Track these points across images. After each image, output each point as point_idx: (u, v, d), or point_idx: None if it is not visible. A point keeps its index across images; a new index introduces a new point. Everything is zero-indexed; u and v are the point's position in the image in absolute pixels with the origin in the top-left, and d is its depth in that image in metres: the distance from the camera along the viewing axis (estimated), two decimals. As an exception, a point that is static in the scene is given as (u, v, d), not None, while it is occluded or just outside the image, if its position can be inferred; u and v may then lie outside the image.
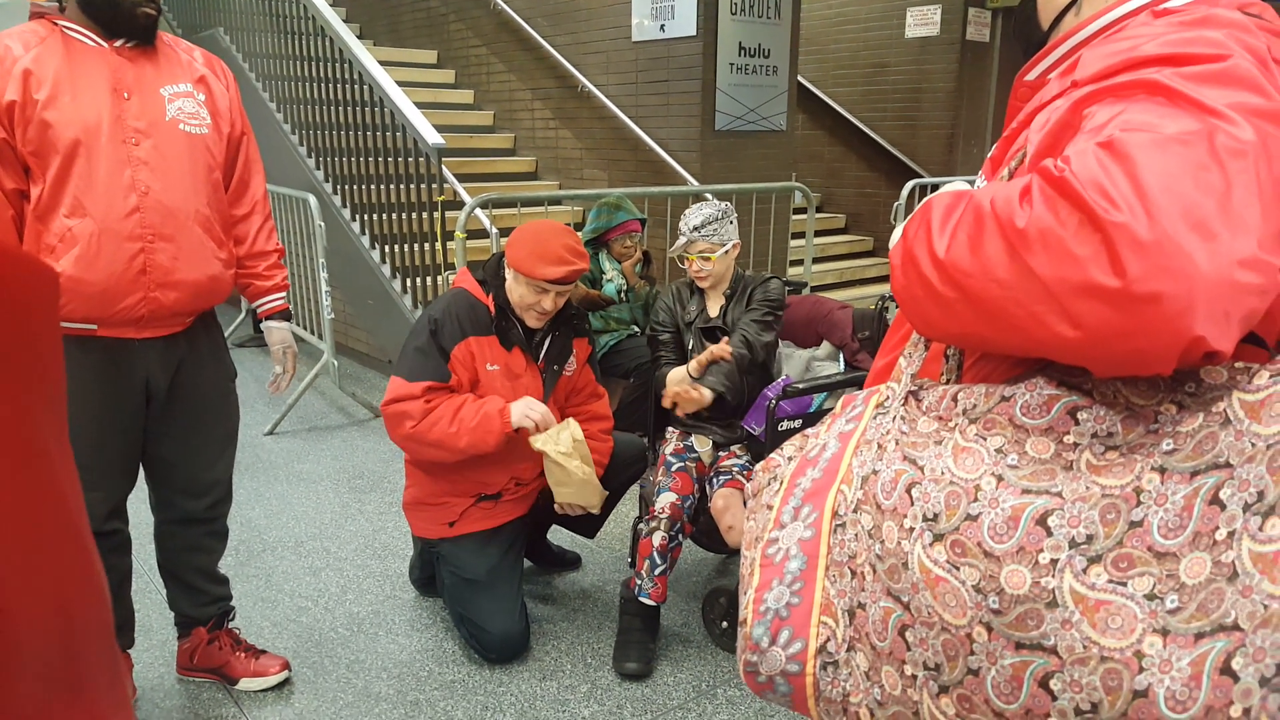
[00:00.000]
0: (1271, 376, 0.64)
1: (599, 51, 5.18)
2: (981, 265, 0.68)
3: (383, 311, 4.59)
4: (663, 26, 4.72)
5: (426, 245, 4.26)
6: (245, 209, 1.95)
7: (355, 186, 4.64)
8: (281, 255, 2.04)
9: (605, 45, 5.13)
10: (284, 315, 2.06)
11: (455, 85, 6.41)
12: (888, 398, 0.87)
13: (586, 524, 2.49)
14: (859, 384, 1.30)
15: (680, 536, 2.21)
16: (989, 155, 0.94)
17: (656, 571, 2.14)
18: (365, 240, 4.61)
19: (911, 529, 0.74)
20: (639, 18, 4.85)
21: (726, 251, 2.32)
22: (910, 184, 5.20)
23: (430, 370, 2.10)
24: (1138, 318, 0.60)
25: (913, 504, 0.75)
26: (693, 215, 2.31)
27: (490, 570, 2.21)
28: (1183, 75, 0.67)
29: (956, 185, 0.83)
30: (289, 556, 2.75)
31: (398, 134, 4.20)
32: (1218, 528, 0.61)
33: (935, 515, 0.73)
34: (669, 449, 2.40)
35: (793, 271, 5.29)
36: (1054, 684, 0.64)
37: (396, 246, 4.43)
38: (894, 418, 0.83)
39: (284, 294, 2.05)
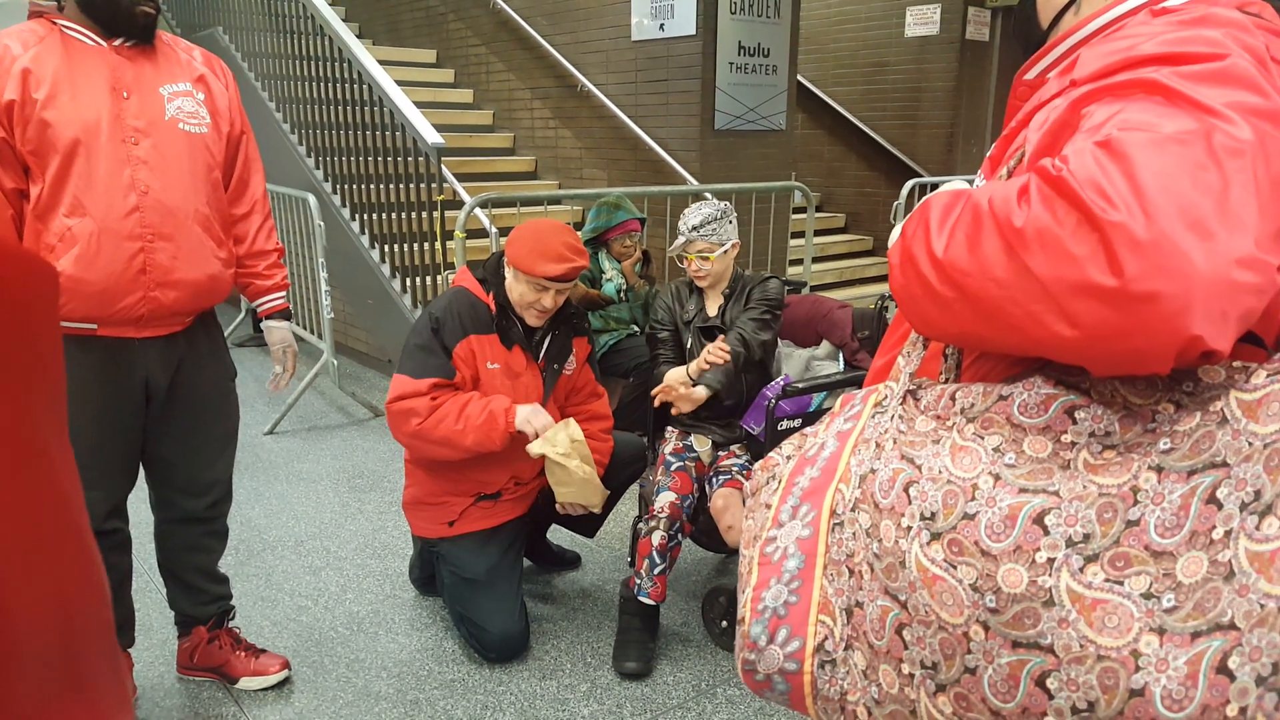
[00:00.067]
0: (1269, 376, 0.64)
1: (598, 51, 5.18)
2: (979, 264, 0.68)
3: (382, 311, 4.59)
4: (662, 26, 4.72)
5: (426, 245, 4.26)
6: (245, 208, 1.95)
7: (355, 186, 4.64)
8: (281, 254, 2.04)
9: (605, 44, 5.13)
10: (284, 314, 2.06)
11: (455, 84, 6.41)
12: (886, 397, 0.87)
13: (586, 523, 2.49)
14: (858, 383, 1.30)
15: (679, 536, 2.21)
16: (988, 154, 0.94)
17: (656, 571, 2.14)
18: (365, 240, 4.61)
19: (909, 528, 0.74)
20: (638, 17, 4.85)
21: (725, 251, 2.32)
22: (910, 183, 5.21)
23: (435, 367, 2.10)
24: (1135, 317, 0.60)
25: (910, 503, 0.75)
26: (692, 215, 2.31)
27: (490, 570, 2.22)
28: (1180, 74, 0.67)
29: (955, 184, 0.83)
30: (289, 556, 2.75)
31: (397, 133, 4.20)
32: (1214, 527, 0.61)
33: (933, 514, 0.73)
34: (668, 448, 2.40)
35: (792, 271, 5.29)
36: (1050, 683, 0.64)
37: (396, 246, 4.43)
38: (892, 417, 0.83)
39: (284, 293, 2.05)
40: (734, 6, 4.63)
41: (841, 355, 2.56)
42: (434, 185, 4.12)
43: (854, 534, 0.81)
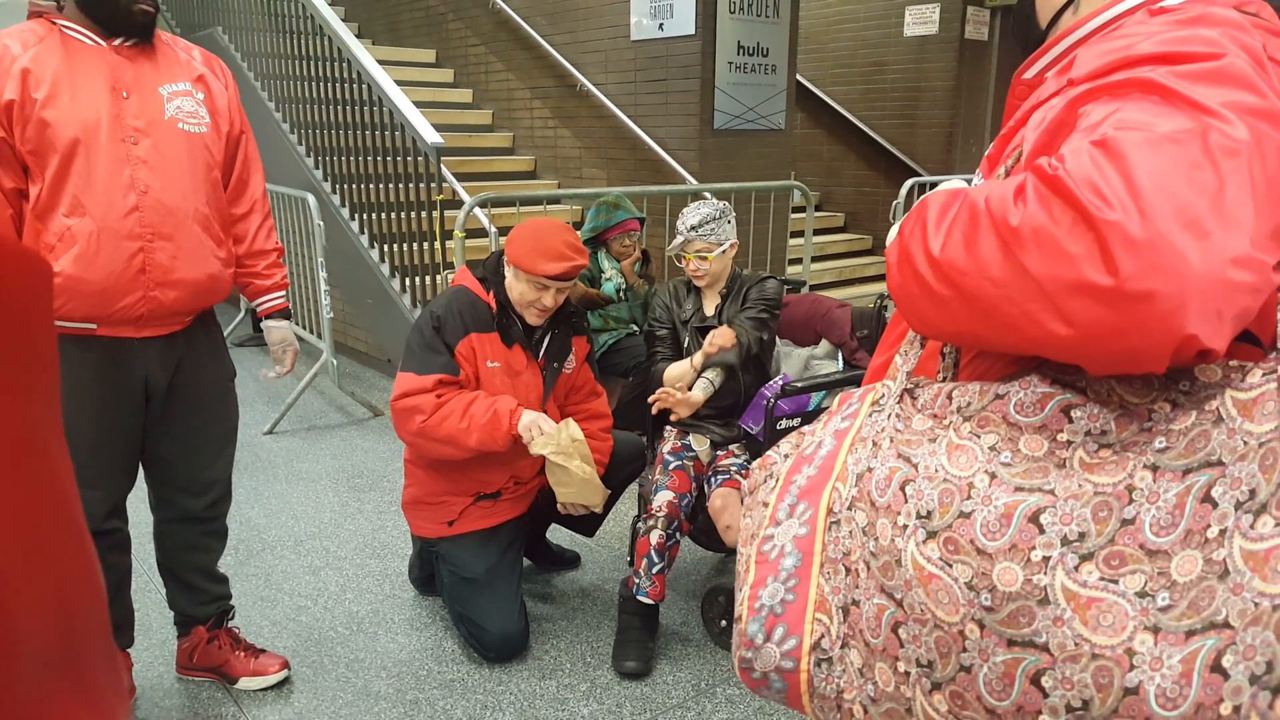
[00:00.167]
0: (1264, 375, 0.64)
1: (598, 50, 5.18)
2: (976, 263, 0.68)
3: (382, 311, 4.59)
4: (661, 25, 4.73)
5: (425, 244, 4.26)
6: (244, 208, 1.95)
7: (354, 186, 4.64)
8: (281, 254, 2.04)
9: (604, 44, 5.13)
10: (283, 314, 2.07)
11: (454, 84, 6.41)
12: (883, 395, 0.88)
13: (586, 523, 2.49)
14: (857, 382, 1.30)
15: (677, 535, 2.21)
16: (986, 153, 0.94)
17: (654, 570, 2.14)
18: (364, 239, 4.61)
19: (905, 526, 0.74)
20: (637, 16, 4.85)
21: (724, 251, 2.32)
22: (909, 182, 5.20)
23: (440, 364, 2.10)
24: (1130, 316, 0.60)
25: (906, 501, 0.75)
26: (690, 215, 2.31)
27: (489, 569, 2.22)
28: (1177, 74, 0.67)
29: (953, 183, 0.83)
30: (288, 555, 2.76)
31: (396, 133, 4.20)
32: (1209, 525, 0.61)
33: (929, 512, 0.73)
34: (667, 447, 2.40)
35: (791, 270, 5.29)
36: (1045, 681, 0.64)
37: (395, 245, 4.43)
38: (889, 415, 0.84)
39: (283, 293, 2.05)
40: (733, 6, 4.63)
41: (840, 354, 2.56)
42: (433, 185, 4.12)
43: (851, 532, 0.81)
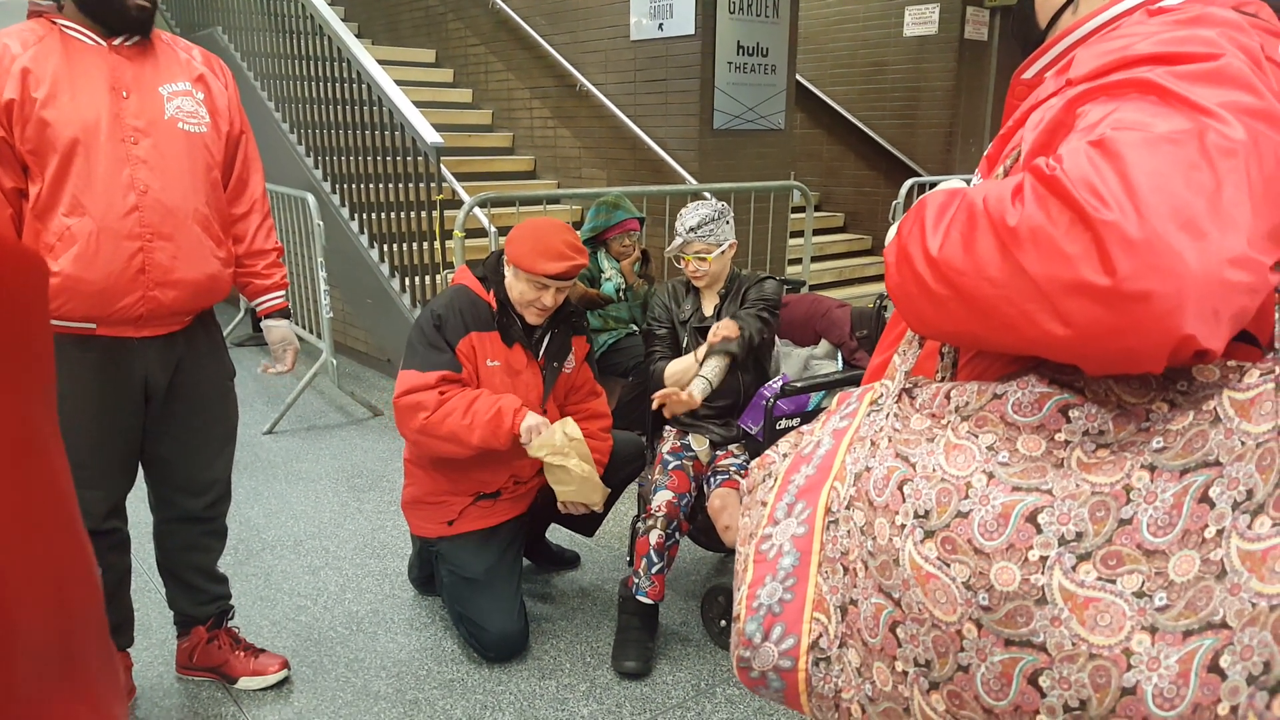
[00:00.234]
0: (1262, 375, 0.64)
1: (597, 50, 5.18)
2: (974, 263, 0.68)
3: (381, 310, 4.59)
4: (661, 25, 4.73)
5: (425, 244, 4.26)
6: (244, 207, 1.95)
7: (354, 185, 4.64)
8: (280, 254, 2.04)
9: (604, 44, 5.13)
10: (283, 314, 2.07)
11: (454, 84, 6.41)
12: (882, 395, 0.88)
13: (585, 522, 2.49)
14: (856, 382, 1.30)
15: (677, 535, 2.21)
16: (985, 153, 0.94)
17: (654, 570, 2.15)
18: (364, 239, 4.61)
19: (903, 526, 0.74)
20: (637, 16, 4.85)
21: (723, 252, 2.32)
22: (909, 182, 5.21)
23: (442, 361, 2.10)
24: (1127, 316, 0.60)
25: (904, 501, 0.75)
26: (689, 216, 2.31)
27: (489, 569, 2.22)
28: (1175, 74, 0.67)
29: (952, 183, 0.83)
30: (288, 555, 2.76)
31: (396, 133, 4.20)
32: (1207, 525, 0.61)
33: (926, 512, 0.73)
34: (666, 447, 2.40)
35: (791, 270, 5.29)
36: (1043, 681, 0.64)
37: (395, 245, 4.43)
38: (887, 415, 0.84)
39: (283, 292, 2.05)
40: (733, 6, 4.64)
41: (840, 354, 2.56)
42: (433, 185, 4.12)
43: (849, 532, 0.81)
